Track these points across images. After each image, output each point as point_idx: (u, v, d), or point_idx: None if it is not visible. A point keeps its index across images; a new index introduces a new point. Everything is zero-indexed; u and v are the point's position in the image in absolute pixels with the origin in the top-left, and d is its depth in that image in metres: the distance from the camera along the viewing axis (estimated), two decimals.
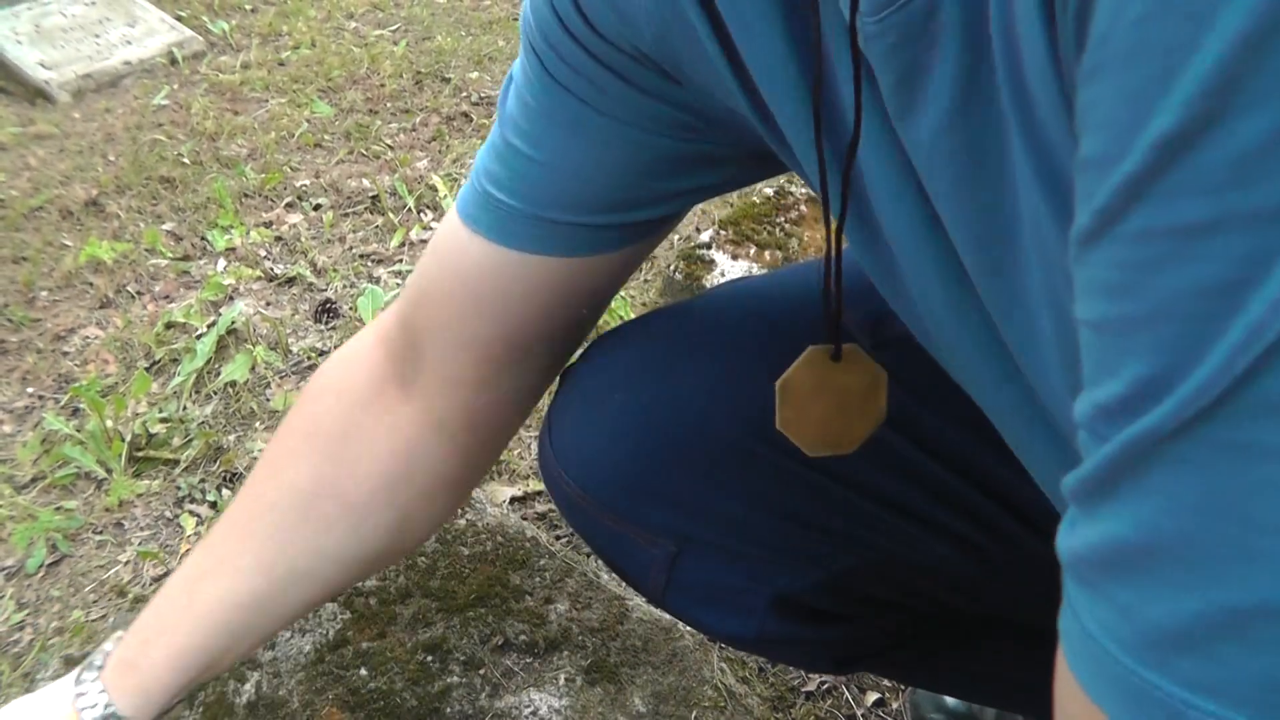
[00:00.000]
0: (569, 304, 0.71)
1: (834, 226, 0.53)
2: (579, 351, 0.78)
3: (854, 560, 0.74)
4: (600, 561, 0.81)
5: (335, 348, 1.70)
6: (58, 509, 1.46)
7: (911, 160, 0.47)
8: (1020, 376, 0.49)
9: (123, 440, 1.53)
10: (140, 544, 1.41)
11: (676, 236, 1.96)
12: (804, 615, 0.76)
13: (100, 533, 1.43)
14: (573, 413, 0.76)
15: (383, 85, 2.63)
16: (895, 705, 1.18)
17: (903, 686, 1.19)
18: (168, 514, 1.47)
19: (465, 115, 2.50)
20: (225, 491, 1.48)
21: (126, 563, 1.39)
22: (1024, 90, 0.37)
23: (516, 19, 3.19)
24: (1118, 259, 0.31)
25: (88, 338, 1.77)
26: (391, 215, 2.05)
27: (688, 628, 1.20)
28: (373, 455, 0.76)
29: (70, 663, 1.08)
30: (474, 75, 2.70)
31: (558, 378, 0.79)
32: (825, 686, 1.19)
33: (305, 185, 2.16)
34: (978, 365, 0.53)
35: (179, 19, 2.99)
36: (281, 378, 1.65)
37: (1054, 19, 0.34)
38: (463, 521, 1.21)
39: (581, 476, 0.75)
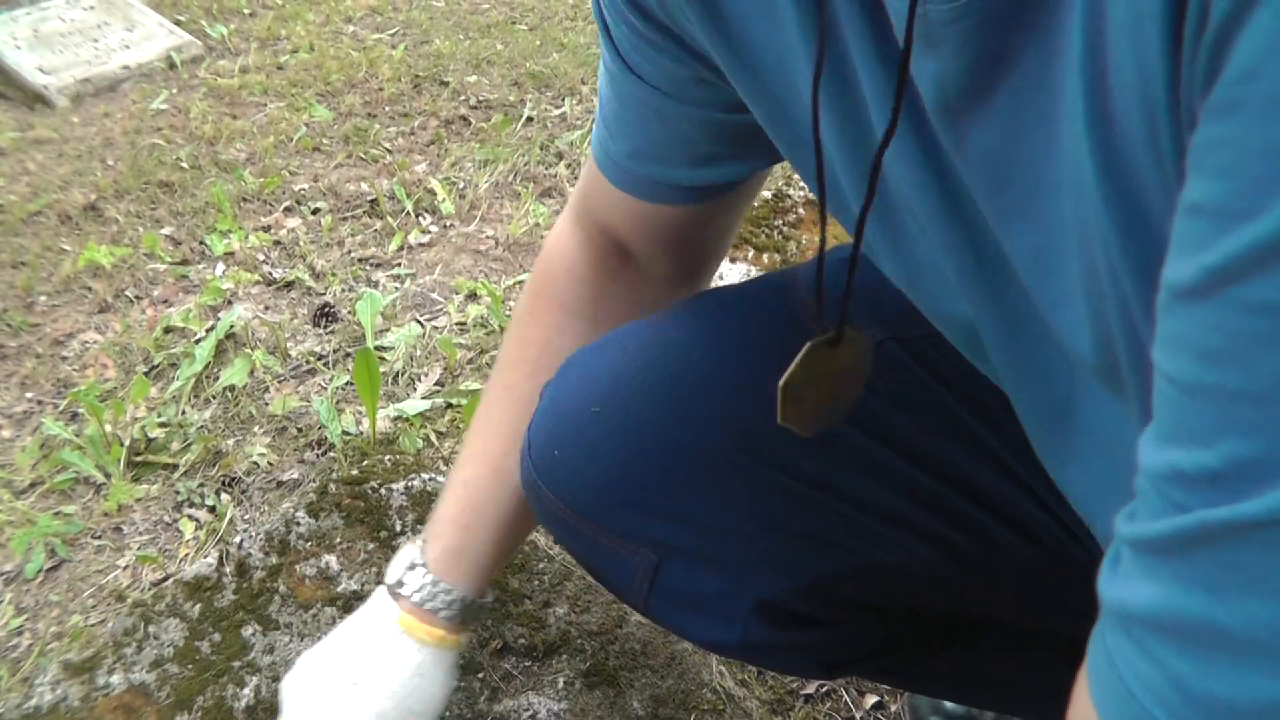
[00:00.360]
0: (688, 235, 0.80)
1: (858, 218, 0.52)
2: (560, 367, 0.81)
3: (834, 565, 0.74)
4: (584, 569, 0.82)
5: (334, 351, 1.70)
6: (56, 514, 1.46)
7: (943, 144, 0.46)
8: (1049, 338, 0.49)
9: (121, 445, 1.53)
10: (139, 548, 1.41)
11: None
12: (787, 621, 0.77)
13: (99, 537, 1.43)
14: (550, 427, 0.77)
15: (381, 89, 2.63)
16: (894, 708, 1.18)
17: (901, 690, 1.19)
18: (166, 518, 1.46)
19: (464, 119, 2.50)
20: (224, 496, 1.48)
21: (125, 567, 1.39)
22: (1105, 102, 0.36)
23: (514, 23, 3.20)
24: (1226, 325, 0.29)
25: (86, 342, 1.77)
26: (390, 219, 2.05)
27: None
28: (614, 301, 0.85)
29: (69, 668, 1.07)
30: (472, 79, 2.70)
31: (541, 390, 0.80)
32: (824, 690, 1.19)
33: (304, 189, 2.16)
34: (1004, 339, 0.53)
35: (177, 23, 3.00)
36: (280, 382, 1.65)
37: (1181, 38, 0.31)
38: None
39: (561, 489, 0.76)
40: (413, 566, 0.84)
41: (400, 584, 0.84)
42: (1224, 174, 0.28)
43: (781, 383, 0.59)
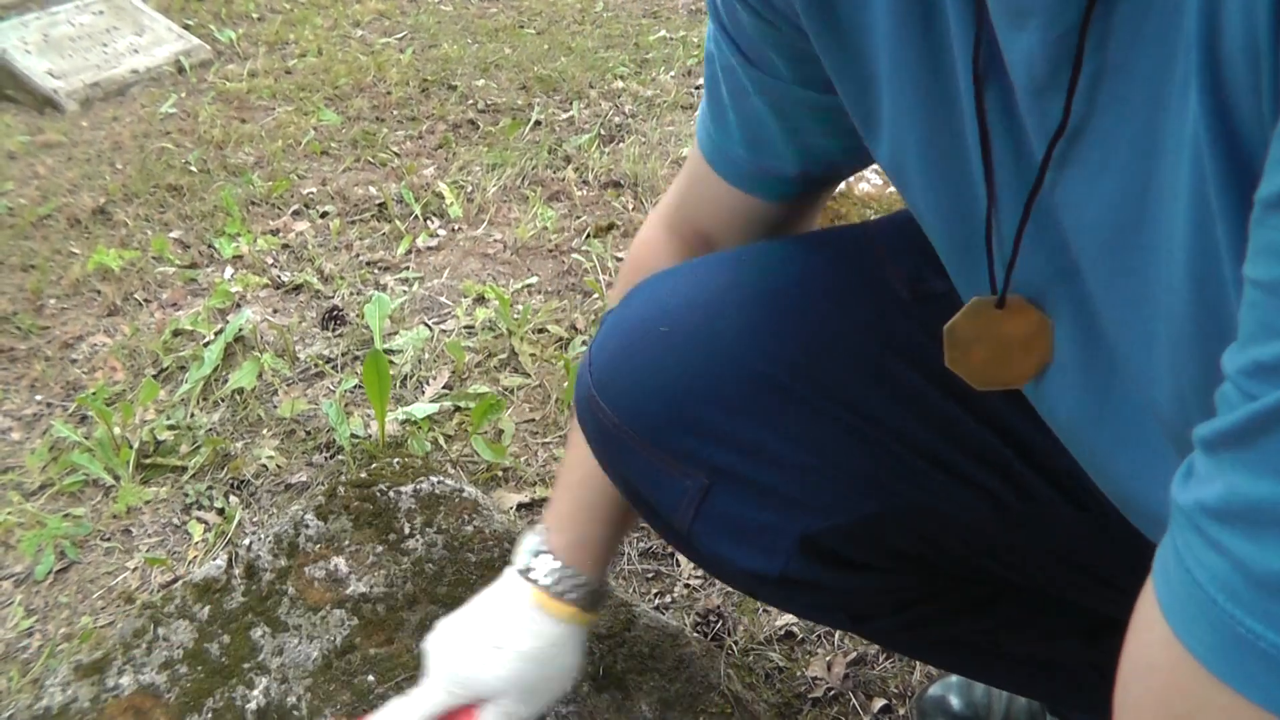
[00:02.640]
0: (776, 233, 0.84)
1: (1032, 193, 0.54)
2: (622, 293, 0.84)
3: (880, 506, 0.75)
4: (624, 493, 0.83)
5: (343, 355, 1.70)
6: (66, 516, 1.46)
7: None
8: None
9: (130, 447, 1.54)
10: (148, 551, 1.41)
11: None
12: (827, 561, 0.77)
13: (108, 539, 1.43)
14: (615, 345, 0.79)
15: (389, 93, 2.64)
16: (901, 711, 1.18)
17: (909, 693, 1.19)
18: (175, 521, 1.47)
19: (471, 123, 2.50)
20: (233, 498, 1.49)
21: (134, 569, 1.39)
22: (1215, 52, 0.38)
23: (521, 27, 3.21)
24: None
25: (95, 345, 1.78)
26: (398, 223, 2.05)
27: (694, 632, 1.20)
28: None
29: (80, 669, 1.08)
30: (480, 83, 2.71)
31: (602, 319, 0.84)
32: (832, 693, 1.19)
33: (312, 193, 2.17)
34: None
35: (186, 28, 3.01)
36: (289, 385, 1.66)
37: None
38: (470, 528, 1.21)
39: (620, 405, 0.77)
40: (538, 554, 0.89)
41: (529, 569, 0.89)
42: None
43: (947, 326, 0.61)
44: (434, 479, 1.29)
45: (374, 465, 1.35)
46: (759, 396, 0.75)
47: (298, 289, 1.87)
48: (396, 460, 1.35)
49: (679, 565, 1.36)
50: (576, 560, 0.88)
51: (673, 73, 2.81)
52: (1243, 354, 0.35)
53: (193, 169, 2.26)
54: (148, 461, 1.54)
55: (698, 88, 2.73)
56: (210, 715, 1.04)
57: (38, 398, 1.69)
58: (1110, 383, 0.55)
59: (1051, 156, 0.49)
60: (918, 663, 1.22)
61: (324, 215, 2.10)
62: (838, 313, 0.73)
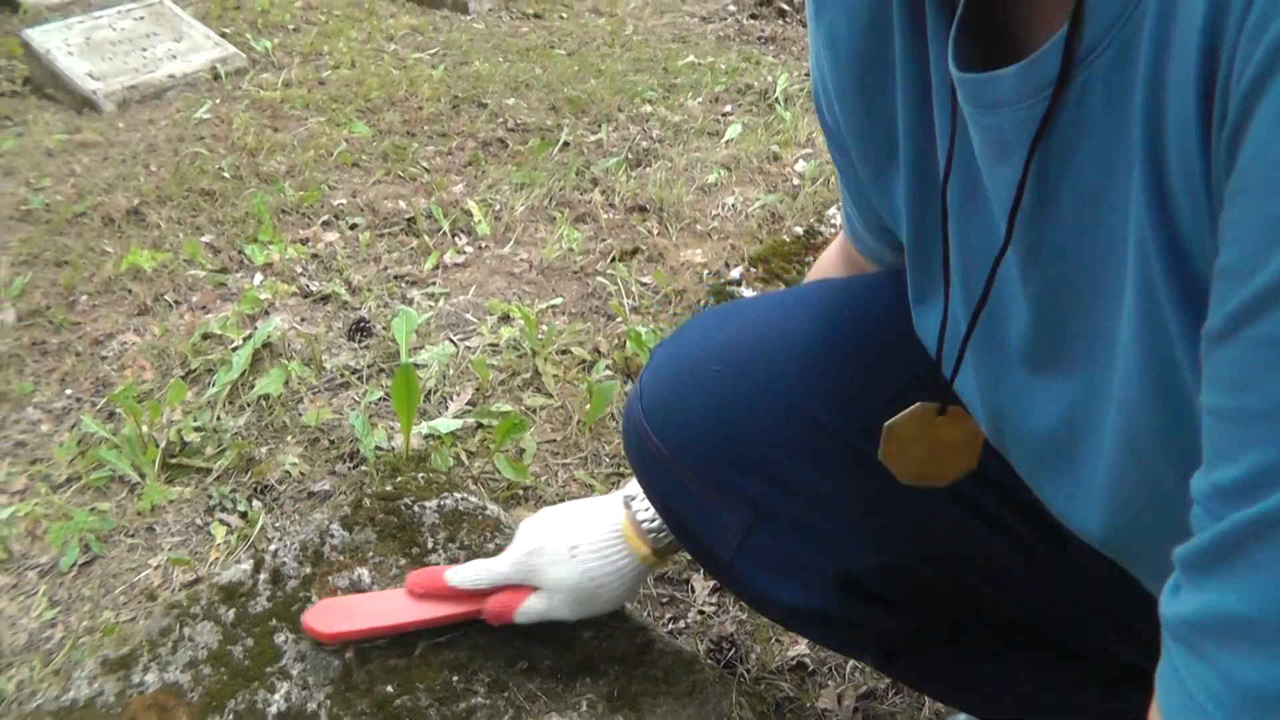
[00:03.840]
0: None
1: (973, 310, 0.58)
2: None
3: (918, 548, 0.78)
4: (666, 521, 0.90)
5: (369, 366, 1.73)
6: (92, 510, 1.49)
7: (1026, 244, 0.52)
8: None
9: (157, 446, 1.56)
10: (171, 550, 1.44)
11: (706, 271, 1.99)
12: (863, 598, 0.80)
13: (132, 536, 1.46)
14: (667, 378, 0.83)
15: (420, 108, 2.68)
16: None
17: None
18: (198, 521, 1.49)
19: (501, 141, 2.54)
20: (255, 503, 1.51)
21: (157, 567, 1.41)
22: (1166, 189, 0.42)
23: (552, 47, 3.25)
24: (1243, 359, 0.36)
25: (125, 343, 1.81)
26: (426, 238, 2.08)
27: (708, 659, 1.22)
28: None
29: (106, 663, 1.10)
30: (510, 102, 2.74)
31: (652, 350, 0.90)
32: None
33: (342, 204, 2.20)
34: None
35: (223, 35, 3.05)
36: (314, 394, 1.68)
37: (1210, 140, 0.39)
38: (492, 545, 1.23)
39: (669, 437, 0.81)
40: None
41: (633, 497, 0.97)
42: (1238, 243, 0.36)
43: (887, 425, 0.65)
44: (457, 495, 1.31)
45: (399, 479, 1.38)
46: (805, 437, 0.77)
47: (325, 299, 1.90)
48: (421, 475, 1.38)
49: (693, 591, 1.38)
50: None
51: (700, 99, 2.85)
52: (1205, 479, 0.38)
53: (225, 175, 2.29)
54: (173, 461, 1.57)
55: (724, 114, 2.76)
56: (233, 717, 1.06)
57: (68, 392, 1.71)
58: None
59: (995, 275, 0.54)
60: (927, 699, 1.24)
61: (353, 227, 2.13)
62: (886, 357, 0.76)
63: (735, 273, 1.87)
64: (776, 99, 2.82)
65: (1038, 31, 0.49)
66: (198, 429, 1.61)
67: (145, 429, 1.59)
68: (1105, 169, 0.45)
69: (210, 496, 1.52)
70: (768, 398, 0.78)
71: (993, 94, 0.49)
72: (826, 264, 1.00)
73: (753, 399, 0.79)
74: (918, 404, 0.65)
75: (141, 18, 2.94)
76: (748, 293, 1.81)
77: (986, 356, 0.59)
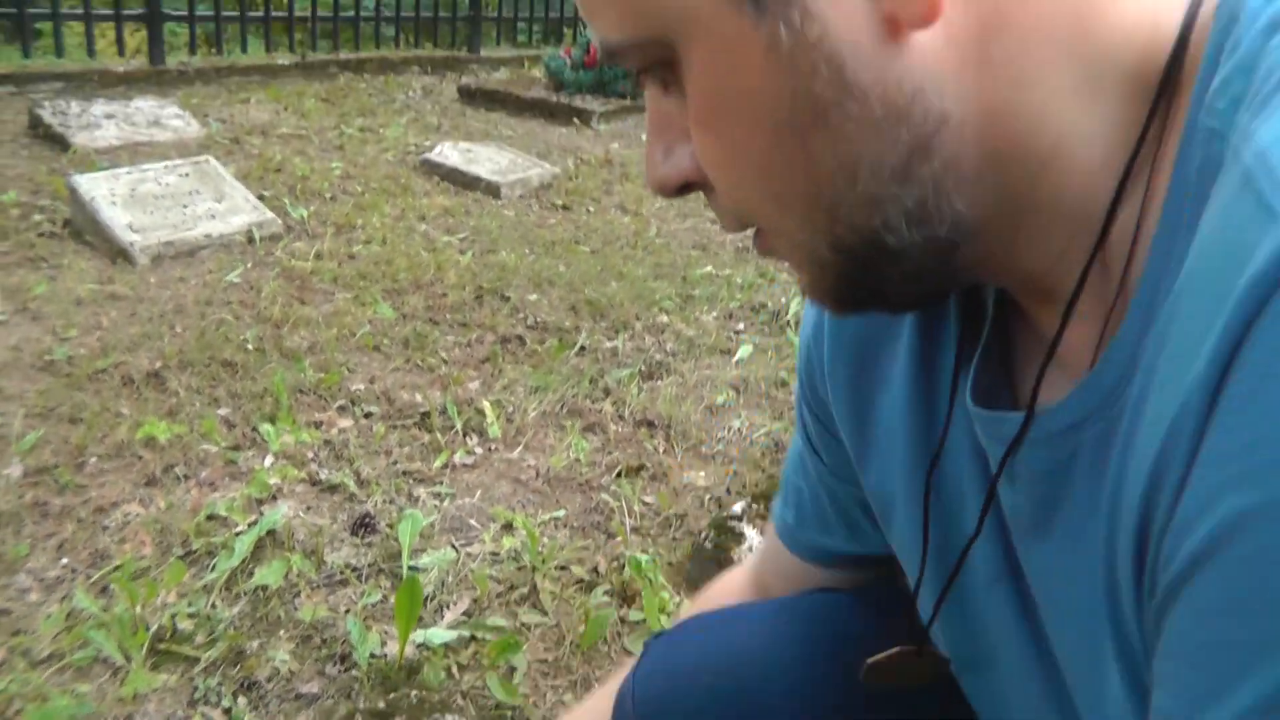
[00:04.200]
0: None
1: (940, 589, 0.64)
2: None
3: None
4: None
5: (369, 565, 1.74)
6: (71, 693, 1.46)
7: (1022, 566, 0.58)
8: None
9: (147, 630, 1.55)
10: None
11: (709, 496, 2.02)
12: None
13: None
14: (662, 685, 0.86)
15: (445, 295, 2.76)
16: None
17: None
18: (181, 713, 1.47)
19: (520, 338, 2.60)
20: (241, 699, 1.49)
21: None
22: (1116, 584, 0.46)
23: (577, 243, 3.37)
24: None
25: (129, 514, 1.81)
26: (439, 434, 2.12)
27: None
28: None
29: None
30: (532, 297, 2.83)
31: (644, 643, 0.92)
32: None
33: (359, 390, 2.24)
34: None
35: (261, 198, 3.16)
36: (313, 589, 1.68)
37: (1142, 591, 0.43)
38: None
39: None
40: None
41: None
42: (1171, 695, 0.40)
43: (869, 662, 0.72)
44: (450, 718, 1.30)
45: (392, 695, 1.37)
46: None
47: (334, 488, 1.92)
48: (414, 693, 1.37)
49: None
50: None
51: (715, 313, 2.94)
52: None
53: (249, 345, 2.34)
54: (162, 646, 1.55)
55: (737, 331, 2.85)
56: None
57: (63, 561, 1.71)
58: None
59: (964, 560, 0.60)
60: None
61: (368, 415, 2.16)
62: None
63: (737, 507, 1.90)
64: (788, 321, 2.91)
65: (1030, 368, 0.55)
66: (191, 615, 1.60)
67: (139, 609, 1.58)
68: (1086, 520, 0.50)
69: (196, 688, 1.50)
70: (759, 714, 0.83)
71: (1004, 430, 0.55)
72: (723, 589, 1.01)
73: (737, 711, 0.83)
74: (898, 648, 0.71)
75: (186, 174, 3.05)
76: (749, 530, 1.84)
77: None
